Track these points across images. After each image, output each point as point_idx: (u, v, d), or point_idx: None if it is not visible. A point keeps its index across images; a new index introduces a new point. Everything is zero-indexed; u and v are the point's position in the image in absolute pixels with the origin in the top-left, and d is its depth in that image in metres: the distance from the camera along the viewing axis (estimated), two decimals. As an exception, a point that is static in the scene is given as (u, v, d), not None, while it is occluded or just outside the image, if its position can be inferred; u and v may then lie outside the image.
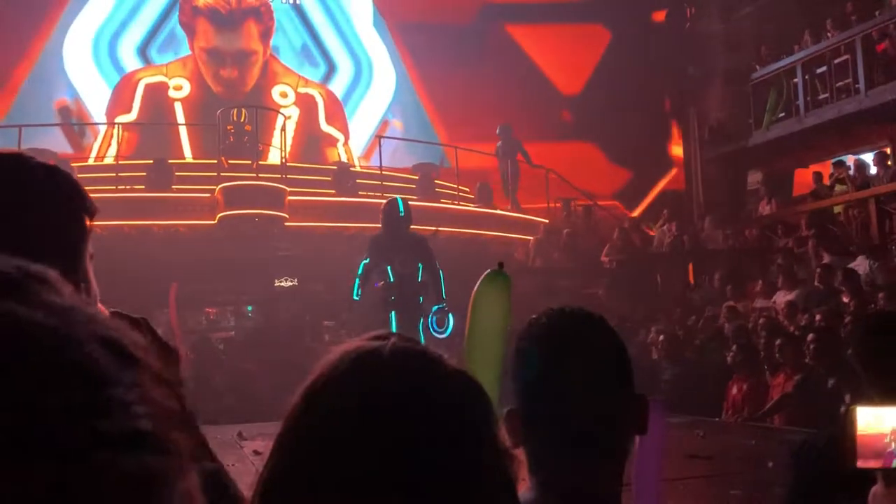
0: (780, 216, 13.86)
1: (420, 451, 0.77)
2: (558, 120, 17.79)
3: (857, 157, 14.63)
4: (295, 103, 16.82)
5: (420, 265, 8.25)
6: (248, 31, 16.59)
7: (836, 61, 13.84)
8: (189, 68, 16.78)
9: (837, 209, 13.05)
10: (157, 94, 16.34)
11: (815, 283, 10.08)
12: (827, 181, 14.00)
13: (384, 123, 17.84)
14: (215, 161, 13.08)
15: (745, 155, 16.14)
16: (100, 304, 1.31)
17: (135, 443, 0.38)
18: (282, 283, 12.39)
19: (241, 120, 13.66)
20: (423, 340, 0.91)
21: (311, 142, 16.54)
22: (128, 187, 12.53)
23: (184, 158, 14.82)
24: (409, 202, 8.83)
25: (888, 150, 13.67)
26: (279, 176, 12.71)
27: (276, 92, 16.78)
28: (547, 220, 14.58)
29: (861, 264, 10.13)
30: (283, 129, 14.26)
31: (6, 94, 15.97)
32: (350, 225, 12.31)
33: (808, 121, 14.36)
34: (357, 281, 8.28)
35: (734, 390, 8.18)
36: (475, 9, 18.17)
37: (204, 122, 14.95)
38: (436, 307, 8.27)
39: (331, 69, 17.92)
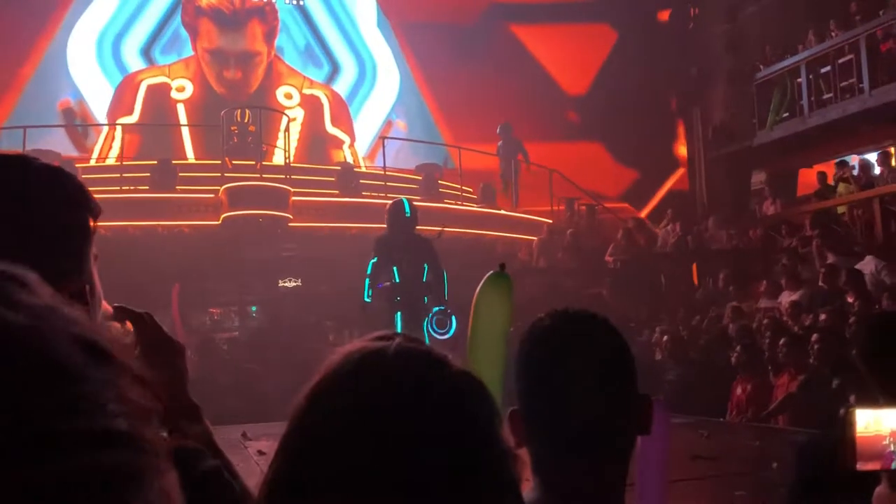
0: (784, 216, 13.84)
1: (425, 451, 0.78)
2: (564, 120, 17.78)
3: (861, 156, 14.60)
4: (300, 104, 16.77)
5: (425, 266, 8.26)
6: (253, 31, 16.55)
7: (840, 61, 13.82)
8: (192, 69, 16.73)
9: (841, 209, 13.03)
10: (159, 96, 16.29)
11: (820, 284, 10.07)
12: (831, 181, 13.98)
13: (388, 124, 17.83)
14: (219, 162, 13.09)
15: (749, 155, 16.12)
16: (104, 302, 1.31)
17: (107, 441, 0.38)
18: (286, 284, 12.40)
19: (245, 121, 13.67)
20: (427, 341, 0.91)
21: (316, 143, 16.49)
22: (132, 188, 12.54)
23: (186, 160, 14.81)
24: (413, 203, 8.85)
25: (892, 150, 13.66)
26: (283, 176, 12.72)
27: (280, 93, 16.73)
28: (550, 221, 14.58)
29: (869, 264, 10.11)
30: (287, 129, 14.26)
31: (10, 94, 15.97)
32: (354, 225, 12.32)
33: (812, 121, 14.34)
34: (367, 281, 8.29)
35: (738, 391, 8.17)
36: (480, 9, 18.15)
37: (207, 124, 14.94)
38: (436, 308, 8.28)
39: (334, 70, 17.90)
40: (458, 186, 14.54)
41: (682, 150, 18.30)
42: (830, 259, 10.75)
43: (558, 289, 11.62)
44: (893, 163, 13.43)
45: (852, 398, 5.88)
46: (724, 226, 14.18)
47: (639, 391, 1.42)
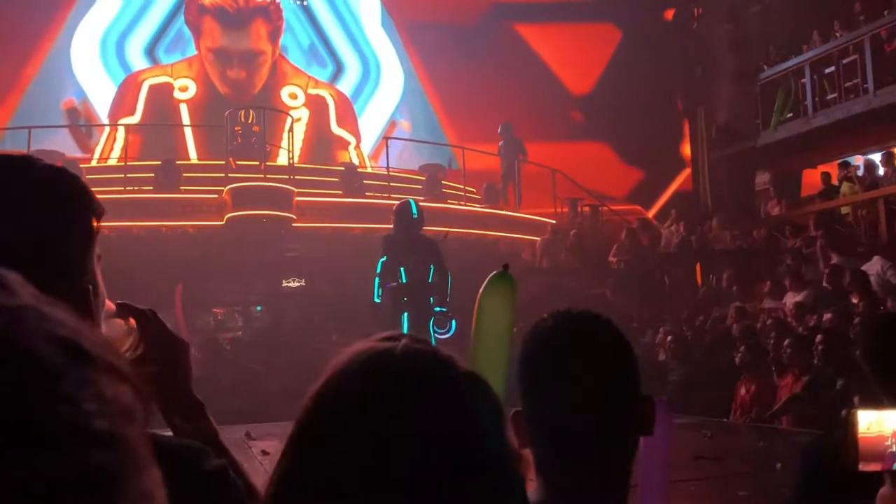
0: (787, 217, 13.82)
1: (431, 451, 0.78)
2: (568, 120, 17.76)
3: (865, 157, 14.58)
4: (305, 105, 16.68)
5: (431, 267, 8.28)
6: (257, 30, 16.43)
7: (845, 61, 13.80)
8: (195, 69, 16.65)
9: (846, 210, 13.01)
10: (161, 96, 16.21)
11: (824, 284, 10.05)
12: (835, 181, 13.96)
13: (392, 124, 17.81)
14: (223, 162, 13.10)
15: (752, 155, 16.10)
16: (107, 300, 1.31)
17: (85, 441, 0.38)
18: (289, 284, 12.41)
19: (249, 121, 13.67)
20: (433, 341, 0.92)
21: (321, 144, 16.42)
22: (135, 188, 12.55)
23: (189, 160, 14.78)
24: (420, 204, 8.86)
25: (896, 151, 13.62)
26: (287, 177, 12.73)
27: (285, 93, 16.64)
28: (554, 221, 14.57)
29: (875, 265, 10.09)
30: (291, 130, 14.25)
31: (14, 94, 15.98)
32: (357, 226, 12.34)
33: (816, 121, 14.33)
34: (377, 280, 8.29)
35: (742, 391, 8.16)
36: (484, 8, 18.15)
37: (210, 124, 14.92)
38: (437, 309, 8.29)
39: (338, 69, 17.87)
40: (462, 187, 14.53)
41: (687, 149, 18.28)
42: (834, 260, 10.73)
43: (561, 289, 11.62)
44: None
45: (856, 399, 5.88)
46: (727, 226, 14.16)
47: (642, 392, 1.42)
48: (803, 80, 14.72)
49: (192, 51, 16.82)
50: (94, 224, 1.27)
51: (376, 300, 8.30)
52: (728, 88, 16.67)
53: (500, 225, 13.89)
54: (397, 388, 0.82)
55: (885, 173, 13.18)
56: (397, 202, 8.97)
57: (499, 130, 15.02)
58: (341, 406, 0.82)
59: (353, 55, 17.98)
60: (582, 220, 15.14)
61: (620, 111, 16.50)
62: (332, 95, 17.15)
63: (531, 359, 1.43)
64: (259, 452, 5.33)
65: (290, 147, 13.79)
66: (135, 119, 15.78)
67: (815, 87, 14.40)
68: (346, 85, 17.70)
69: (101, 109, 16.45)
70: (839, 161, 14.22)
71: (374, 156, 16.92)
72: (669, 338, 9.46)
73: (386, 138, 15.54)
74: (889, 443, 1.81)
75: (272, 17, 16.61)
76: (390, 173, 14.15)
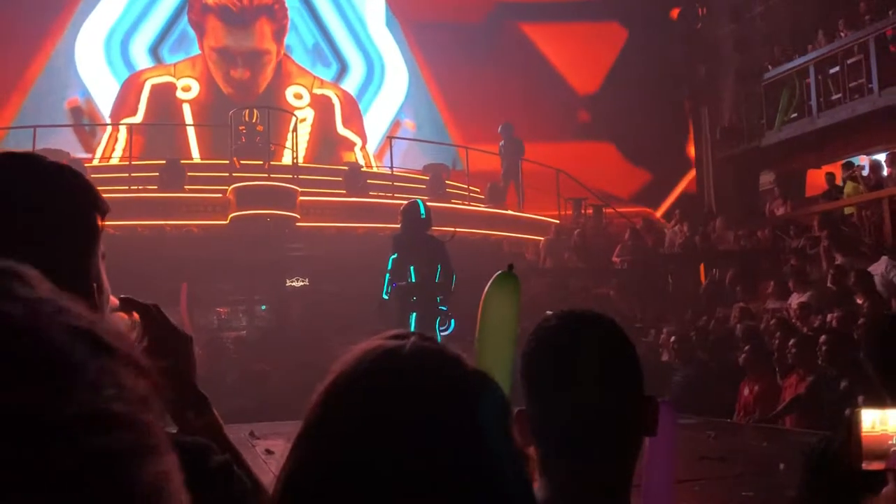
0: (791, 217, 13.81)
1: (439, 449, 0.78)
2: (574, 119, 17.74)
3: (871, 157, 14.55)
4: (310, 105, 16.60)
5: (438, 266, 8.32)
6: (261, 29, 16.32)
7: (849, 61, 13.77)
8: (198, 68, 16.57)
9: (850, 210, 12.99)
10: (163, 95, 16.12)
11: (828, 285, 10.04)
12: (839, 182, 13.94)
13: (396, 123, 17.79)
14: (227, 161, 13.11)
15: (757, 155, 16.08)
16: (111, 296, 1.32)
17: (106, 424, 0.40)
18: (293, 283, 12.42)
19: (253, 121, 13.67)
20: (438, 340, 0.92)
21: (327, 145, 16.34)
22: (140, 187, 12.57)
23: (191, 160, 14.74)
24: (428, 204, 8.89)
25: (901, 151, 13.58)
26: (291, 176, 12.74)
27: (290, 93, 16.56)
28: (558, 221, 14.56)
29: (882, 265, 10.07)
30: (295, 129, 14.25)
31: (18, 93, 16.00)
32: (361, 225, 12.35)
33: (820, 121, 14.30)
34: (387, 277, 8.32)
35: (746, 391, 8.15)
36: (489, 8, 18.13)
37: (213, 124, 14.91)
38: (440, 308, 8.32)
39: (343, 69, 17.85)
40: (466, 186, 14.53)
41: (692, 150, 18.26)
42: (839, 260, 10.72)
43: (565, 289, 11.62)
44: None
45: (860, 399, 5.86)
46: (731, 226, 14.15)
47: (645, 392, 1.42)
48: (808, 80, 14.69)
49: (196, 50, 16.74)
50: (99, 221, 1.27)
51: (385, 297, 8.32)
52: (732, 88, 16.65)
53: (504, 225, 13.89)
54: (406, 386, 0.82)
55: (890, 173, 13.15)
56: (401, 202, 8.98)
57: (499, 130, 15.01)
58: (350, 404, 0.82)
59: (358, 55, 17.96)
60: (585, 220, 15.13)
61: (626, 111, 16.49)
62: (337, 95, 17.06)
63: (534, 358, 1.44)
64: (263, 451, 5.33)
65: (294, 147, 13.80)
66: (137, 119, 15.71)
67: (820, 87, 14.37)
68: (350, 84, 17.68)
69: (106, 109, 16.44)
70: (843, 162, 14.20)
71: (379, 155, 16.91)
72: (673, 338, 9.45)
73: (390, 138, 15.53)
74: (893, 441, 1.81)
75: (277, 15, 16.48)
76: (394, 173, 14.15)
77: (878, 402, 2.24)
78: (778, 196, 14.85)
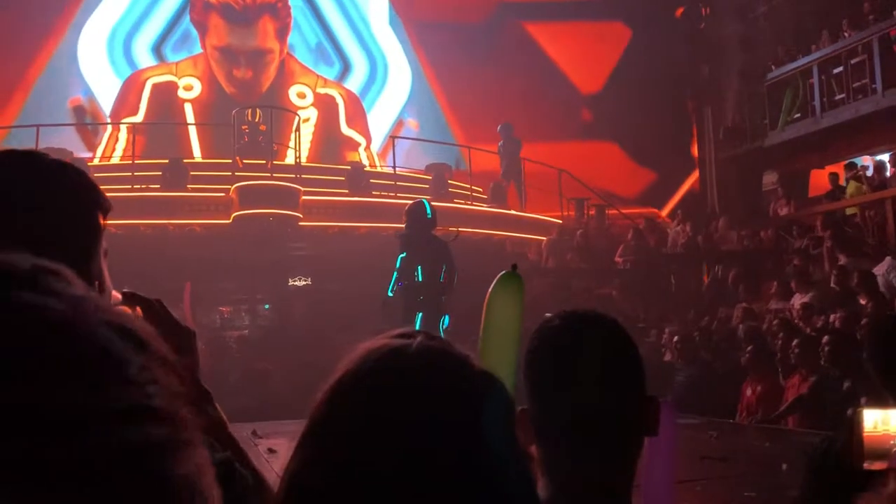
0: (795, 217, 13.79)
1: (444, 449, 0.78)
2: (577, 119, 17.71)
3: (875, 157, 14.53)
4: (313, 104, 16.50)
5: (443, 266, 8.34)
6: (264, 28, 16.20)
7: (853, 61, 13.75)
8: (200, 67, 16.48)
9: (853, 210, 12.97)
10: (165, 95, 16.02)
11: (832, 285, 10.03)
12: (843, 182, 13.92)
13: (399, 123, 17.76)
14: (230, 161, 13.11)
15: (760, 155, 16.06)
16: (113, 290, 1.32)
17: (145, 417, 0.42)
18: (296, 283, 12.43)
19: (256, 120, 13.66)
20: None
21: (331, 145, 16.25)
22: (143, 187, 12.57)
23: (193, 160, 14.71)
24: (433, 204, 8.92)
25: (905, 151, 13.56)
26: (293, 176, 12.74)
27: (293, 92, 16.46)
28: (560, 221, 14.55)
29: (885, 266, 10.06)
30: (297, 129, 14.24)
31: (20, 92, 15.98)
32: (363, 225, 12.36)
33: (824, 121, 14.28)
34: (395, 276, 8.34)
35: (748, 392, 8.14)
36: (492, 7, 18.10)
37: (216, 123, 14.88)
38: None
39: (346, 68, 17.81)
40: (468, 186, 14.52)
41: (697, 149, 18.23)
42: (842, 261, 10.71)
43: (567, 289, 11.61)
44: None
45: (863, 400, 5.86)
46: (734, 226, 14.13)
47: (647, 392, 1.42)
48: (811, 80, 14.67)
49: (198, 49, 16.65)
50: (101, 220, 1.27)
51: (389, 294, 8.35)
52: (736, 88, 16.63)
53: (507, 225, 13.89)
54: (411, 386, 0.82)
55: (893, 173, 13.14)
56: (404, 202, 8.99)
57: (498, 129, 14.98)
58: (356, 402, 0.83)
59: (361, 54, 17.92)
60: (588, 220, 15.12)
61: (630, 111, 16.45)
62: (341, 95, 16.97)
63: (537, 358, 1.44)
64: (265, 450, 5.34)
65: (297, 146, 13.80)
66: (138, 118, 15.62)
67: (823, 87, 14.35)
68: (353, 84, 17.65)
69: (108, 108, 16.42)
70: (846, 162, 14.18)
71: (381, 155, 16.88)
72: (676, 338, 9.44)
73: (392, 137, 15.50)
74: (895, 442, 1.81)
75: (280, 14, 16.36)
76: (397, 172, 14.15)
77: (881, 402, 2.24)
78: (781, 196, 14.83)
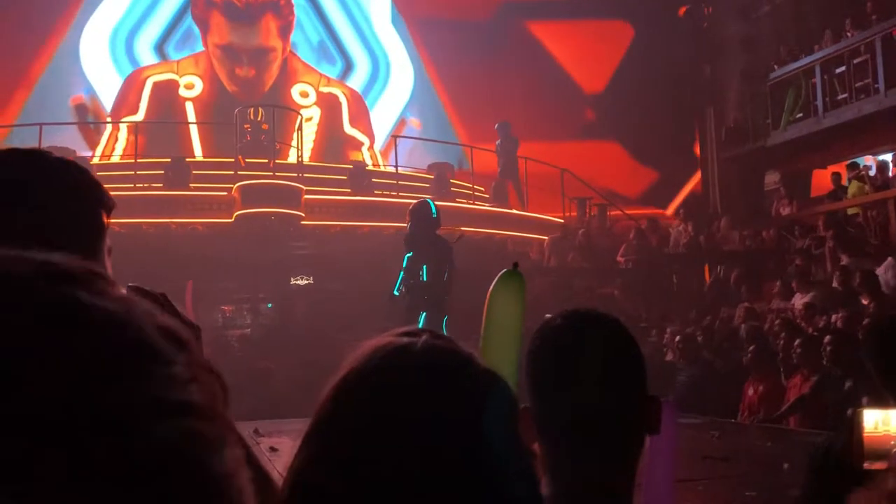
0: (797, 217, 13.78)
1: (448, 447, 0.79)
2: (581, 118, 17.68)
3: (878, 157, 14.52)
4: (316, 103, 16.41)
5: (447, 266, 8.37)
6: (267, 26, 16.07)
7: (856, 61, 13.73)
8: (202, 66, 16.37)
9: (855, 210, 12.96)
10: (165, 93, 15.90)
11: (834, 285, 10.02)
12: (845, 182, 13.91)
13: (402, 122, 17.72)
14: (232, 159, 13.11)
15: (762, 155, 16.05)
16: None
17: (192, 413, 0.44)
18: (298, 282, 12.43)
19: (258, 119, 13.66)
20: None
21: (334, 144, 16.16)
22: (146, 185, 12.57)
23: (194, 159, 14.62)
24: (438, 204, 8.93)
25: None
26: (296, 175, 12.74)
27: (296, 91, 16.35)
28: (562, 220, 14.55)
29: (888, 265, 10.05)
30: (300, 127, 14.23)
31: (22, 90, 15.95)
32: (366, 224, 12.37)
33: (826, 121, 14.26)
34: (402, 275, 8.36)
35: (750, 392, 8.14)
36: (495, 5, 18.06)
37: (218, 121, 14.83)
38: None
39: (348, 66, 17.76)
40: (470, 185, 14.51)
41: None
42: (844, 261, 10.70)
43: (569, 289, 11.61)
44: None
45: (865, 400, 5.85)
46: (736, 226, 14.13)
47: (648, 391, 1.42)
48: (814, 80, 14.65)
49: (201, 47, 16.56)
50: (105, 218, 1.27)
51: (395, 293, 8.36)
52: (738, 88, 16.61)
53: (508, 224, 13.88)
54: (416, 384, 0.83)
55: (895, 173, 13.13)
56: (406, 201, 8.99)
57: (496, 128, 14.96)
58: (361, 400, 0.83)
59: (363, 52, 17.87)
60: (590, 219, 15.11)
61: (634, 110, 16.42)
62: (345, 94, 16.86)
63: (539, 357, 1.44)
64: (267, 449, 5.34)
65: (299, 145, 13.80)
66: (138, 117, 15.50)
67: (826, 87, 14.33)
68: (355, 82, 17.59)
69: (110, 106, 16.36)
70: (848, 162, 14.17)
71: (384, 154, 16.83)
72: (677, 338, 9.44)
73: (394, 136, 15.47)
74: (895, 442, 1.81)
75: (283, 11, 16.21)
76: (398, 172, 14.14)
77: (883, 402, 2.24)
78: (783, 196, 14.82)
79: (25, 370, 0.40)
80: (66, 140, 13.43)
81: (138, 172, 12.76)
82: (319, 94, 16.62)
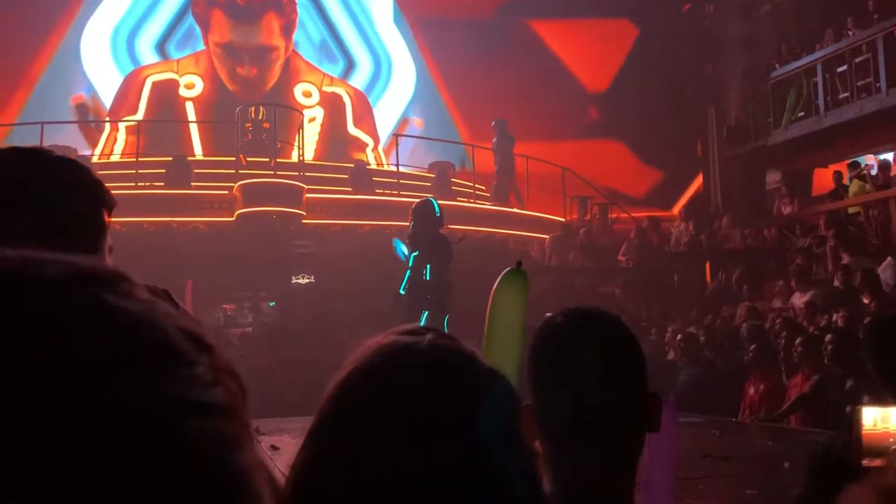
0: (798, 216, 13.78)
1: (452, 444, 0.79)
2: (584, 117, 17.65)
3: (879, 156, 14.50)
4: (319, 103, 16.30)
5: (449, 265, 8.39)
6: (269, 24, 15.95)
7: (857, 60, 13.71)
8: (202, 65, 16.26)
9: (856, 209, 12.95)
10: (165, 92, 15.80)
11: (835, 284, 10.02)
12: (846, 181, 13.90)
13: (404, 121, 17.69)
14: (233, 158, 13.11)
15: (763, 154, 16.03)
16: None
17: (213, 412, 0.45)
18: (299, 280, 12.44)
19: (260, 118, 13.64)
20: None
21: (337, 145, 16.06)
22: (147, 184, 12.57)
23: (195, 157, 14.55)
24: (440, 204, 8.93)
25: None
26: (297, 174, 12.75)
27: (298, 91, 16.24)
28: (563, 219, 14.54)
29: (890, 264, 10.04)
30: (301, 127, 14.21)
31: (22, 89, 15.93)
32: (367, 222, 12.37)
33: (827, 120, 14.25)
34: (408, 273, 8.36)
35: (751, 390, 8.14)
36: (497, 4, 18.03)
37: (218, 121, 14.80)
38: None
39: (350, 66, 17.71)
40: (472, 184, 14.51)
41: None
42: (845, 260, 10.70)
43: (570, 287, 11.61)
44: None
45: (865, 399, 5.85)
46: (738, 225, 14.12)
47: (649, 390, 1.43)
48: (815, 79, 14.63)
49: (202, 46, 16.47)
50: (106, 217, 1.28)
51: (401, 292, 8.37)
52: (739, 87, 16.60)
53: (510, 223, 13.88)
54: (420, 383, 0.83)
55: (896, 173, 13.12)
56: (407, 200, 8.99)
57: (493, 125, 14.93)
58: (365, 398, 0.83)
59: (365, 51, 17.82)
60: (592, 218, 15.10)
61: (637, 109, 16.40)
62: (348, 94, 16.75)
63: (540, 355, 1.44)
64: (268, 447, 5.34)
65: (300, 144, 13.79)
66: (137, 116, 15.40)
67: (827, 86, 14.31)
68: (357, 82, 17.54)
69: (111, 105, 16.33)
70: (849, 161, 14.16)
71: (386, 152, 16.79)
72: (679, 337, 9.44)
73: (396, 135, 15.45)
74: (894, 440, 1.81)
75: (285, 10, 16.08)
76: (399, 171, 14.14)
77: (883, 401, 2.24)
78: (784, 195, 14.81)
79: (55, 371, 0.41)
80: (67, 139, 13.42)
81: (140, 171, 12.75)
82: (323, 93, 16.50)
